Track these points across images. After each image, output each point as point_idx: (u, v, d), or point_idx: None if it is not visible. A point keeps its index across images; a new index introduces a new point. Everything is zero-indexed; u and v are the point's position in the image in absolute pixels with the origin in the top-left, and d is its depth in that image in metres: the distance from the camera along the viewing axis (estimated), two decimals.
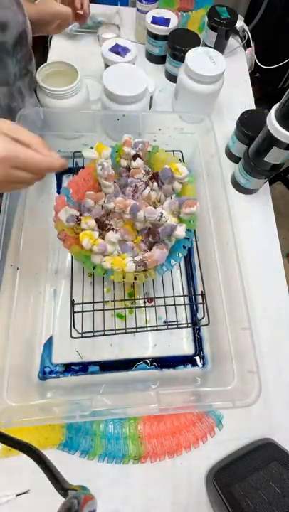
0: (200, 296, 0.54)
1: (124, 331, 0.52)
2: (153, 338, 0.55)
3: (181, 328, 0.55)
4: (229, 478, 0.44)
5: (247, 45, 0.90)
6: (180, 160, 0.61)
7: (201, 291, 0.53)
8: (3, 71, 0.51)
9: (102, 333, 0.51)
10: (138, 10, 0.81)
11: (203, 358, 0.55)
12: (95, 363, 0.53)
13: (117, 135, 0.55)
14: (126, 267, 0.44)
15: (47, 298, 0.56)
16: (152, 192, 0.50)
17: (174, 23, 0.76)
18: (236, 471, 0.44)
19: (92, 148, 0.50)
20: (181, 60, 0.70)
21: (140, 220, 0.47)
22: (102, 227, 0.47)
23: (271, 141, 0.54)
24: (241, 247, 0.62)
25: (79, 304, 0.50)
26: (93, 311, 0.52)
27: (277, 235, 0.66)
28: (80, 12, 0.65)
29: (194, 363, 0.54)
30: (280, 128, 0.51)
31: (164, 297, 0.53)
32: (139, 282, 0.48)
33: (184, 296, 0.58)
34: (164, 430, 0.49)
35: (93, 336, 0.50)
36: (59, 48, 0.85)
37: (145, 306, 0.57)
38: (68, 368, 0.52)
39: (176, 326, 0.55)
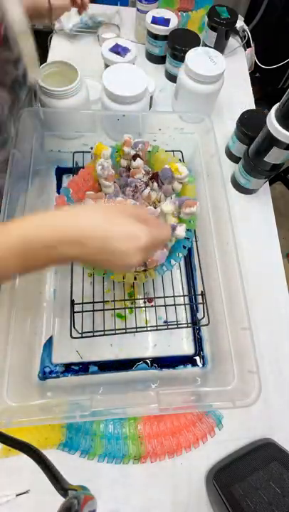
0: (200, 296, 0.54)
1: (124, 331, 0.52)
2: (153, 338, 0.55)
3: (181, 328, 0.55)
4: (229, 478, 0.44)
5: (247, 45, 0.90)
6: (180, 160, 0.61)
7: (201, 291, 0.53)
8: (17, 105, 0.51)
9: (102, 333, 0.51)
10: (138, 10, 0.81)
11: (203, 358, 0.55)
12: (95, 363, 0.53)
13: (117, 135, 0.55)
14: None
15: (47, 298, 0.56)
16: (152, 192, 0.50)
17: (174, 23, 0.76)
18: (236, 471, 0.44)
19: (92, 148, 0.50)
20: (181, 60, 0.70)
21: None
22: None
23: (271, 141, 0.54)
24: (241, 247, 0.62)
25: (79, 304, 0.50)
26: (93, 311, 0.52)
27: (277, 235, 0.66)
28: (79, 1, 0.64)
29: (194, 363, 0.54)
30: (280, 128, 0.51)
31: (164, 297, 0.53)
32: (139, 282, 0.48)
33: (184, 296, 0.58)
34: (164, 430, 0.49)
35: (93, 336, 0.50)
36: (59, 48, 0.85)
37: (145, 306, 0.57)
38: (68, 368, 0.52)
39: (176, 326, 0.55)
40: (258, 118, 0.62)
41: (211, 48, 0.69)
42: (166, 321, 0.56)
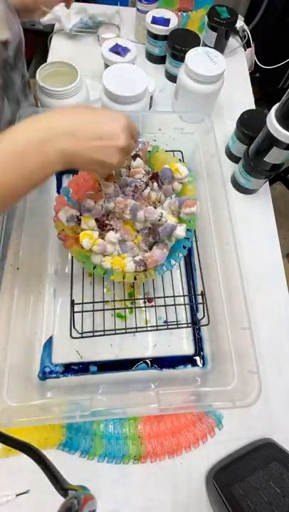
0: (200, 296, 0.54)
1: (124, 331, 0.52)
2: (153, 338, 0.55)
3: (181, 328, 0.55)
4: (229, 478, 0.44)
5: (247, 45, 0.90)
6: (180, 160, 0.61)
7: (201, 291, 0.53)
8: (13, 87, 0.51)
9: (102, 333, 0.51)
10: (138, 10, 0.81)
11: (203, 358, 0.55)
12: (94, 363, 0.53)
13: None
14: (126, 267, 0.44)
15: (47, 298, 0.56)
16: (152, 192, 0.50)
17: (174, 23, 0.76)
18: (236, 471, 0.44)
19: None
20: (181, 60, 0.70)
21: (140, 220, 0.47)
22: (102, 227, 0.47)
23: (271, 141, 0.54)
24: (241, 247, 0.62)
25: (79, 303, 0.50)
26: (93, 311, 0.52)
27: (277, 235, 0.66)
28: None
29: (194, 363, 0.54)
30: (280, 128, 0.51)
31: (164, 297, 0.53)
32: (139, 282, 0.48)
33: (183, 296, 0.58)
34: (164, 430, 0.49)
35: (93, 336, 0.50)
36: (59, 48, 0.85)
37: (145, 306, 0.57)
38: (68, 368, 0.52)
39: (176, 326, 0.55)
40: (258, 118, 0.62)
41: (211, 48, 0.69)
42: (166, 321, 0.56)
